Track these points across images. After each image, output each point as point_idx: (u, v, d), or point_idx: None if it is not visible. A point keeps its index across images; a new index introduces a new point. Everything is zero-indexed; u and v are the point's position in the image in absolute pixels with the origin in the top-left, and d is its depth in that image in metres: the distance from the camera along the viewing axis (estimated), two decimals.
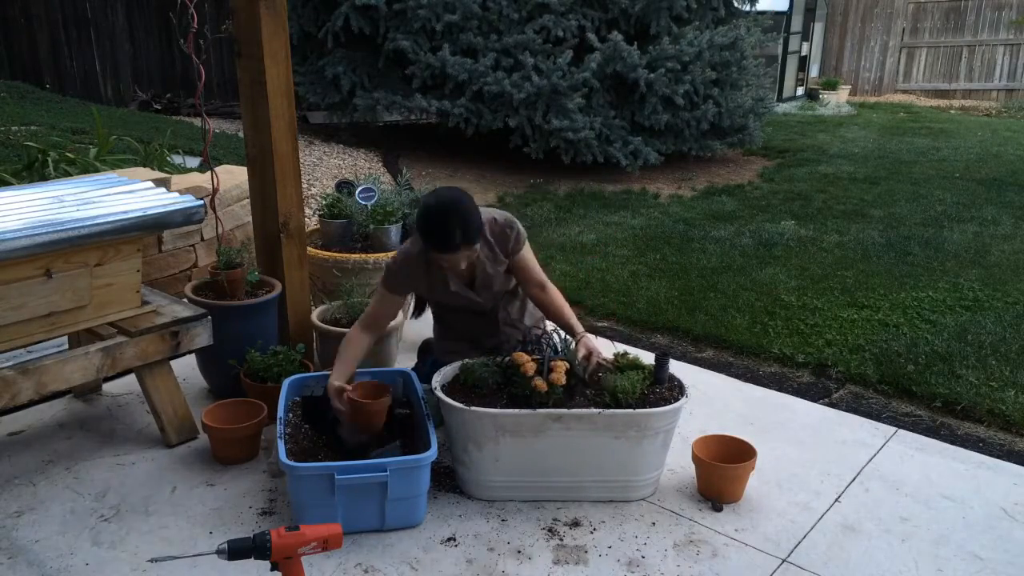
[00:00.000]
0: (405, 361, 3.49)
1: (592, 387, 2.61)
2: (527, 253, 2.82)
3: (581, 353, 2.65)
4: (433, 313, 3.13)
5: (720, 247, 5.57)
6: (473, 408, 2.49)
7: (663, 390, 2.63)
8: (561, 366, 2.55)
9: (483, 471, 2.56)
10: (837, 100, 14.26)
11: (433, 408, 2.63)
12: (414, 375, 2.85)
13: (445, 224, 2.52)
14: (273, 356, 3.04)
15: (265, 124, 3.05)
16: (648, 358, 2.75)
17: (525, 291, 2.91)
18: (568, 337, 2.78)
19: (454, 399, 2.53)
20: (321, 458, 2.56)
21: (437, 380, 2.64)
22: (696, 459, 2.64)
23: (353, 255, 3.66)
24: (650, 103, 7.54)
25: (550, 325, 2.90)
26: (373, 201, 3.78)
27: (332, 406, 2.59)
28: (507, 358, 2.66)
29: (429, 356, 3.19)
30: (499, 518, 2.52)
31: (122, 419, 3.09)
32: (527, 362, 2.55)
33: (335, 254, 3.67)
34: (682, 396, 2.60)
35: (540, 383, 2.49)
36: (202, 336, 2.92)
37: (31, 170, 4.31)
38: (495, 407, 2.51)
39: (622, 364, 2.69)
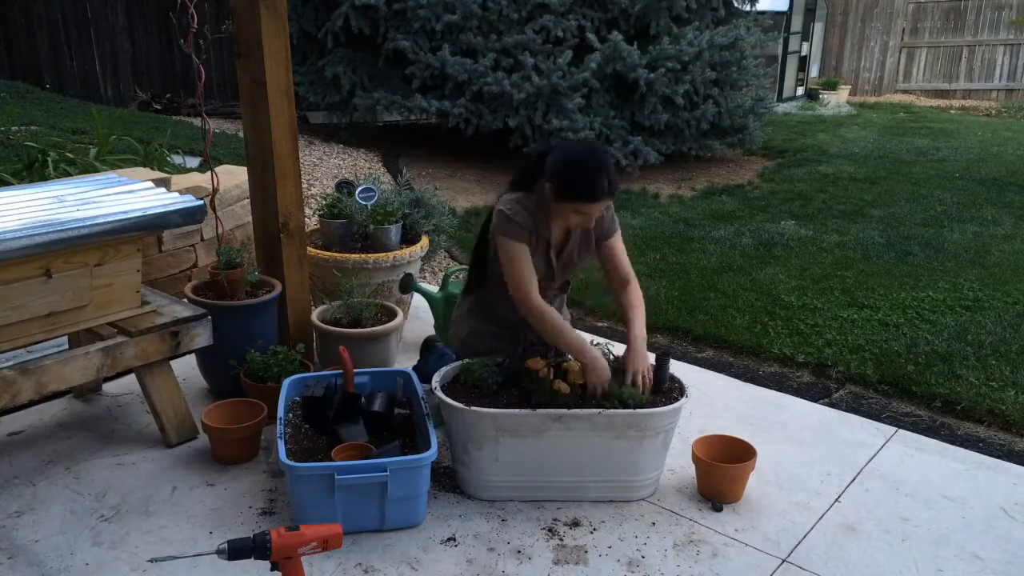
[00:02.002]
0: (405, 361, 3.49)
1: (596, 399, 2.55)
2: (619, 241, 2.78)
3: (628, 376, 2.56)
4: (478, 290, 2.92)
5: (720, 247, 5.57)
6: (473, 408, 2.49)
7: (663, 390, 2.63)
8: (574, 365, 2.56)
9: (483, 471, 2.56)
10: (837, 100, 14.26)
11: (433, 408, 2.63)
12: (414, 375, 2.85)
13: (594, 171, 2.48)
14: (273, 356, 3.04)
15: (265, 124, 3.05)
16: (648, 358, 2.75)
17: (608, 282, 2.83)
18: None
19: (454, 399, 2.53)
20: (321, 458, 2.56)
21: (437, 380, 2.64)
22: (696, 459, 2.64)
23: (353, 255, 3.67)
24: (650, 103, 7.54)
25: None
26: (373, 201, 3.78)
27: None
28: (507, 360, 2.66)
29: (432, 354, 3.18)
30: (499, 518, 2.52)
31: (122, 419, 3.09)
32: (543, 366, 2.55)
33: (335, 254, 3.67)
34: (682, 396, 2.60)
35: (563, 386, 2.49)
36: (202, 336, 2.92)
37: (31, 170, 4.30)
38: (495, 407, 2.51)
39: (622, 366, 2.69)
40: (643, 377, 2.56)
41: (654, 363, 2.66)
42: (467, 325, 2.92)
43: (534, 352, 2.70)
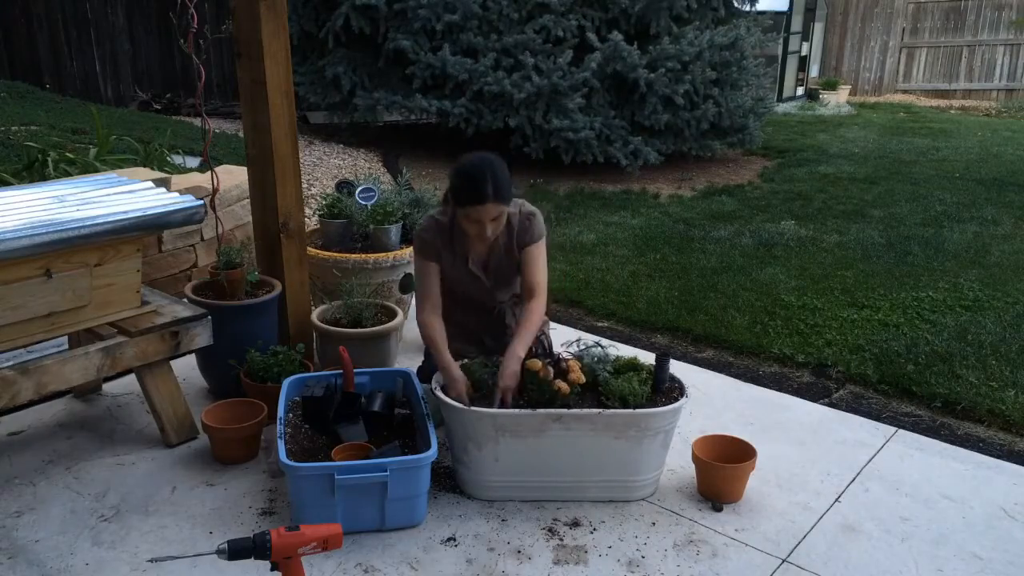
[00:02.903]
0: (405, 361, 3.49)
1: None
2: (536, 251, 2.76)
3: (496, 395, 2.53)
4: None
5: (720, 247, 5.57)
6: (473, 408, 2.49)
7: (663, 390, 2.63)
8: (575, 365, 2.56)
9: (483, 471, 2.56)
10: (837, 100, 14.25)
11: (433, 408, 2.63)
12: (414, 375, 2.85)
13: (478, 176, 2.58)
14: (273, 356, 3.04)
15: (265, 124, 3.05)
16: (648, 358, 2.75)
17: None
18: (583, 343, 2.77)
19: (454, 400, 2.53)
20: (321, 458, 2.55)
21: (437, 381, 2.64)
22: (696, 459, 2.64)
23: (353, 255, 3.67)
24: (650, 103, 7.54)
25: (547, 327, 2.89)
26: (373, 201, 3.78)
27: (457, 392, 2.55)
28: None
29: None
30: (499, 518, 2.52)
31: (122, 419, 3.09)
32: (542, 367, 2.55)
33: (335, 254, 3.68)
34: (682, 396, 2.60)
35: (563, 386, 2.49)
36: (202, 336, 2.92)
37: (31, 170, 4.30)
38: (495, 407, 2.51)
39: (620, 366, 2.69)
40: (508, 398, 2.52)
41: (654, 363, 2.66)
42: None
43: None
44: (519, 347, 2.57)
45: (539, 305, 2.70)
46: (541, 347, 2.74)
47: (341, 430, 2.64)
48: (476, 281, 2.85)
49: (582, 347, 2.75)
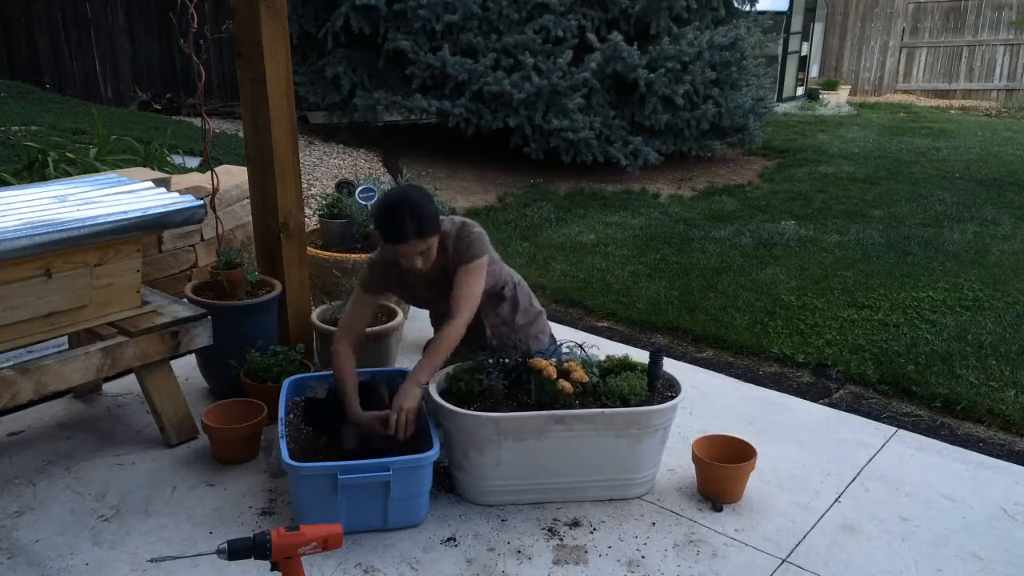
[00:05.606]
0: (405, 361, 3.49)
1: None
2: (466, 272, 2.64)
3: (392, 416, 2.47)
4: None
5: (720, 247, 5.57)
6: (475, 412, 2.48)
7: (657, 387, 2.64)
8: (576, 365, 2.56)
9: (484, 476, 2.55)
10: (837, 100, 14.25)
11: (434, 408, 2.62)
12: None
13: (396, 216, 2.52)
14: (273, 356, 3.04)
15: (265, 124, 3.05)
16: (639, 355, 2.76)
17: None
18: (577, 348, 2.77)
19: (452, 404, 2.52)
20: (321, 458, 2.55)
21: (433, 386, 2.63)
22: (696, 459, 2.65)
23: (353, 255, 3.67)
24: (650, 103, 7.54)
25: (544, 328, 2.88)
26: (373, 201, 3.78)
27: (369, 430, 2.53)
28: (510, 361, 2.65)
29: None
30: (499, 518, 2.52)
31: (122, 419, 3.09)
32: (548, 366, 2.54)
33: (335, 254, 3.68)
34: (678, 392, 2.61)
35: (566, 385, 2.49)
36: (202, 336, 2.92)
37: (31, 170, 4.30)
38: (494, 411, 2.50)
39: (613, 365, 2.69)
40: (404, 419, 2.46)
41: (648, 360, 2.66)
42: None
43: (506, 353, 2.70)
44: (422, 374, 2.53)
45: (455, 327, 2.57)
46: (519, 348, 2.74)
47: (344, 430, 2.63)
48: (432, 299, 2.87)
49: (565, 351, 2.74)
